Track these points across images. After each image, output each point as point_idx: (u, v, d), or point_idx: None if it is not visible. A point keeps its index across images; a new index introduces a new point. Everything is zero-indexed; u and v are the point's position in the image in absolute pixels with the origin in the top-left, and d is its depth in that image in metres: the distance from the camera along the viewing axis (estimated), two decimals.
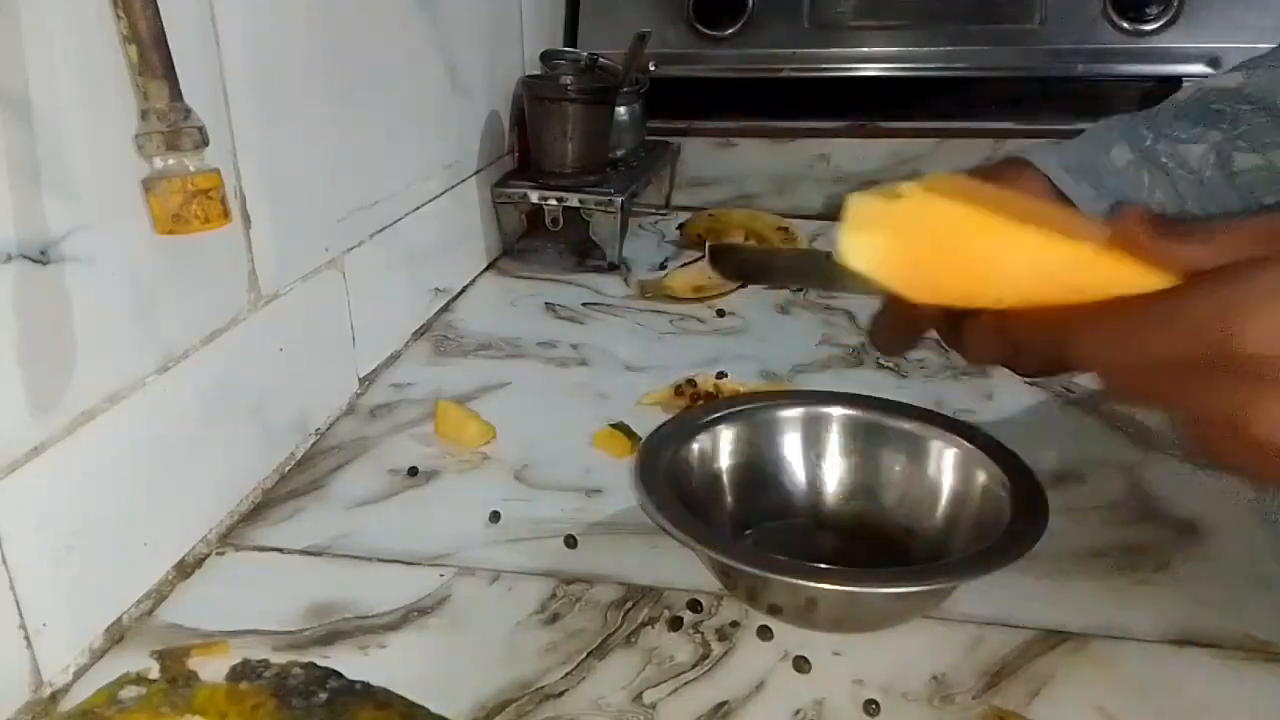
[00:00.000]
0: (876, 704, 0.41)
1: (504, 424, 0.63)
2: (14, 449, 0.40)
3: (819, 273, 0.48)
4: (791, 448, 0.54)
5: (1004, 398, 0.67)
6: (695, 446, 0.52)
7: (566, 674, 0.43)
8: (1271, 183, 0.55)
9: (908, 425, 0.53)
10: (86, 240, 0.43)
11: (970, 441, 0.51)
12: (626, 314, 0.83)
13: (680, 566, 0.49)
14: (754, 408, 0.55)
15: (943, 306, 0.35)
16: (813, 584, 0.42)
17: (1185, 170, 0.53)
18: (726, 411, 0.54)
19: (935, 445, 0.52)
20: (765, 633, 0.45)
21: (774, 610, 0.46)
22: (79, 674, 0.43)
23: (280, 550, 0.52)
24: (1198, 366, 0.30)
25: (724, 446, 0.53)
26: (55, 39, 0.40)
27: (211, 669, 0.43)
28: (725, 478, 0.53)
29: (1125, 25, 1.04)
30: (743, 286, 0.83)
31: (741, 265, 0.57)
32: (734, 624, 0.46)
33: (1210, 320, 0.29)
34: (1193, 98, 0.58)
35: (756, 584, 0.45)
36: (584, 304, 0.85)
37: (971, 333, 0.36)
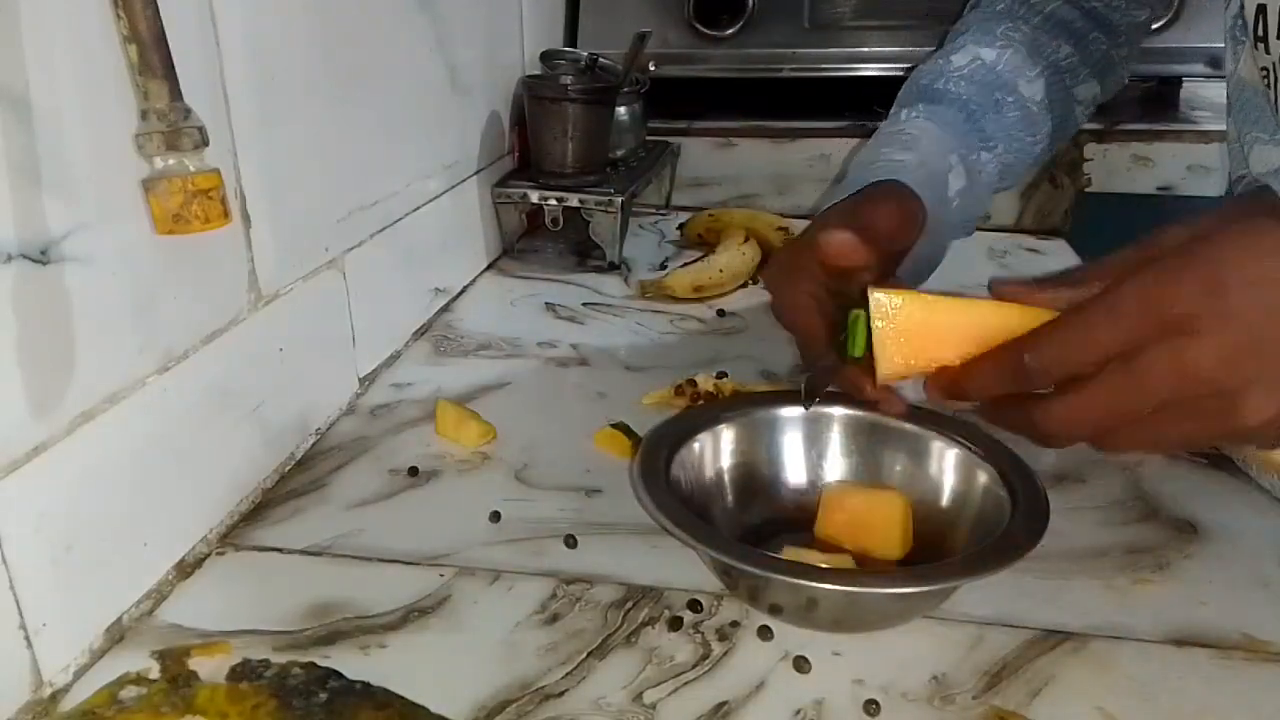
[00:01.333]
0: (877, 704, 0.41)
1: (504, 424, 0.63)
2: (14, 449, 0.40)
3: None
4: (793, 448, 0.54)
5: None
6: (696, 446, 0.52)
7: (566, 674, 0.43)
8: (1001, 180, 0.68)
9: (908, 425, 0.53)
10: (86, 240, 0.42)
11: (971, 442, 0.51)
12: (627, 314, 0.83)
13: (680, 566, 0.49)
14: (755, 407, 0.55)
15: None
16: (813, 584, 0.42)
17: (984, 188, 0.66)
18: (727, 411, 0.54)
19: (936, 445, 0.52)
20: (765, 633, 0.45)
21: (775, 610, 0.46)
22: (79, 674, 0.43)
23: (280, 550, 0.52)
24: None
25: (725, 446, 0.53)
26: (55, 39, 0.40)
27: (212, 669, 0.43)
28: (726, 477, 0.53)
29: None
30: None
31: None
32: (734, 624, 0.46)
33: (1143, 297, 0.37)
34: (980, 82, 0.67)
35: (757, 584, 0.45)
36: (584, 304, 0.85)
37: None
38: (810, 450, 0.54)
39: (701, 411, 0.55)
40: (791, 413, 0.54)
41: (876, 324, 0.43)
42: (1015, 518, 0.45)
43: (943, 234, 0.61)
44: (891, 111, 0.68)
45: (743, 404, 0.56)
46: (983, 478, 0.49)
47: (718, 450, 0.53)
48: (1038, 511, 0.45)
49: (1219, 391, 0.37)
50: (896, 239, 0.54)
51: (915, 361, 0.43)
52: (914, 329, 0.43)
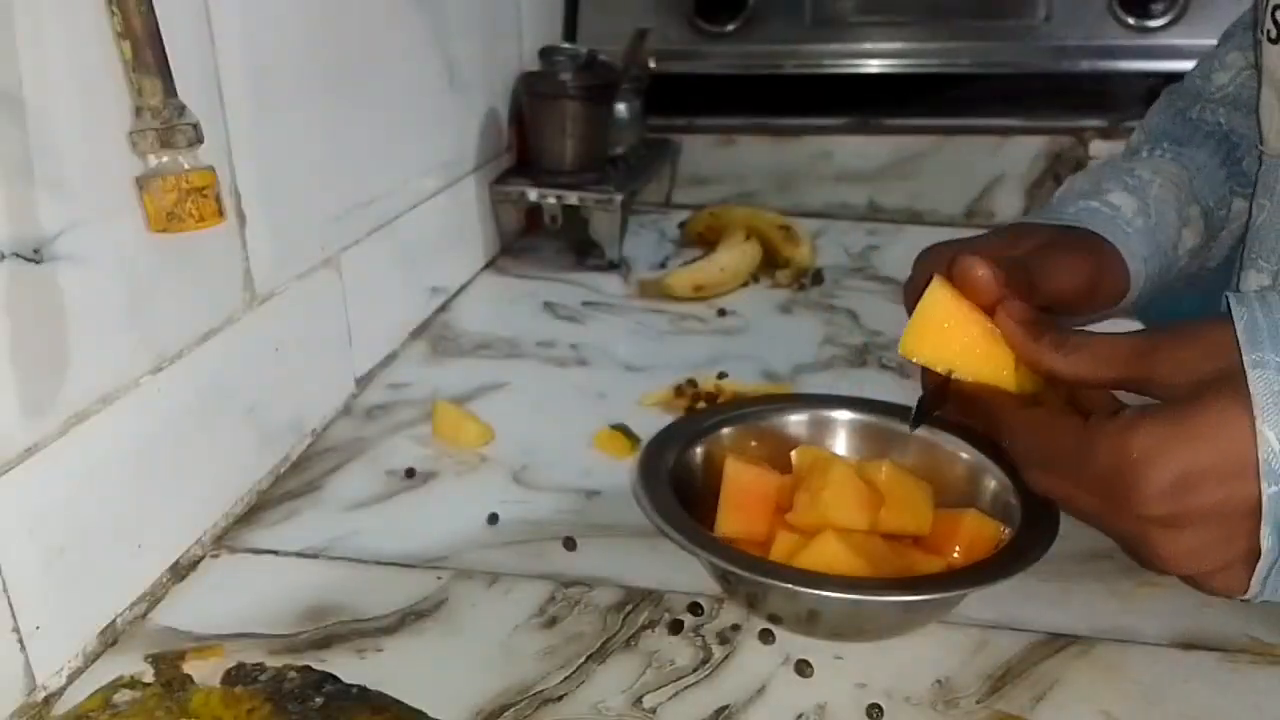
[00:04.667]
0: (880, 708, 0.40)
1: (502, 425, 0.63)
2: (7, 450, 0.39)
3: None
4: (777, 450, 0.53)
5: None
6: (699, 450, 0.51)
7: (565, 678, 0.43)
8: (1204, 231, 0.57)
9: (916, 431, 0.51)
10: (80, 239, 0.42)
11: (978, 448, 0.50)
12: (626, 313, 0.83)
13: (681, 569, 0.48)
14: (760, 410, 0.54)
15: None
16: (814, 592, 0.41)
17: (1232, 234, 0.56)
18: (732, 415, 0.54)
19: (944, 451, 0.51)
20: (767, 636, 0.45)
21: (774, 619, 0.45)
22: (73, 677, 0.43)
23: (276, 552, 0.52)
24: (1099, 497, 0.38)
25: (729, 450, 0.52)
26: (49, 36, 0.40)
27: (206, 672, 0.43)
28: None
29: (1131, 22, 1.04)
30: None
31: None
32: (735, 627, 0.46)
33: (1111, 474, 0.36)
34: (1180, 115, 0.58)
35: (757, 591, 0.44)
36: (583, 303, 0.85)
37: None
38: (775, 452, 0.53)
39: (706, 414, 0.55)
40: (798, 417, 0.54)
41: (923, 301, 0.44)
42: (1024, 525, 0.45)
43: (1158, 290, 0.53)
44: (1133, 139, 0.59)
45: (748, 407, 0.55)
46: (992, 484, 0.49)
47: (722, 454, 0.51)
48: (1047, 519, 0.45)
49: (1188, 576, 0.38)
50: (1066, 303, 0.48)
51: (933, 354, 0.44)
52: (948, 327, 0.44)
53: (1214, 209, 0.55)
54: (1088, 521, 0.40)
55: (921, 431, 0.51)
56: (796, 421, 0.54)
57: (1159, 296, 0.55)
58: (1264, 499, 0.33)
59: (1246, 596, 0.37)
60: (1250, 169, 0.54)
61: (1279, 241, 0.49)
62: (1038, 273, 0.46)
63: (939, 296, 0.44)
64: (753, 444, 0.52)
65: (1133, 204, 0.52)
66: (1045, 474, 0.41)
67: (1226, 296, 0.37)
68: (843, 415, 0.54)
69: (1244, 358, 0.34)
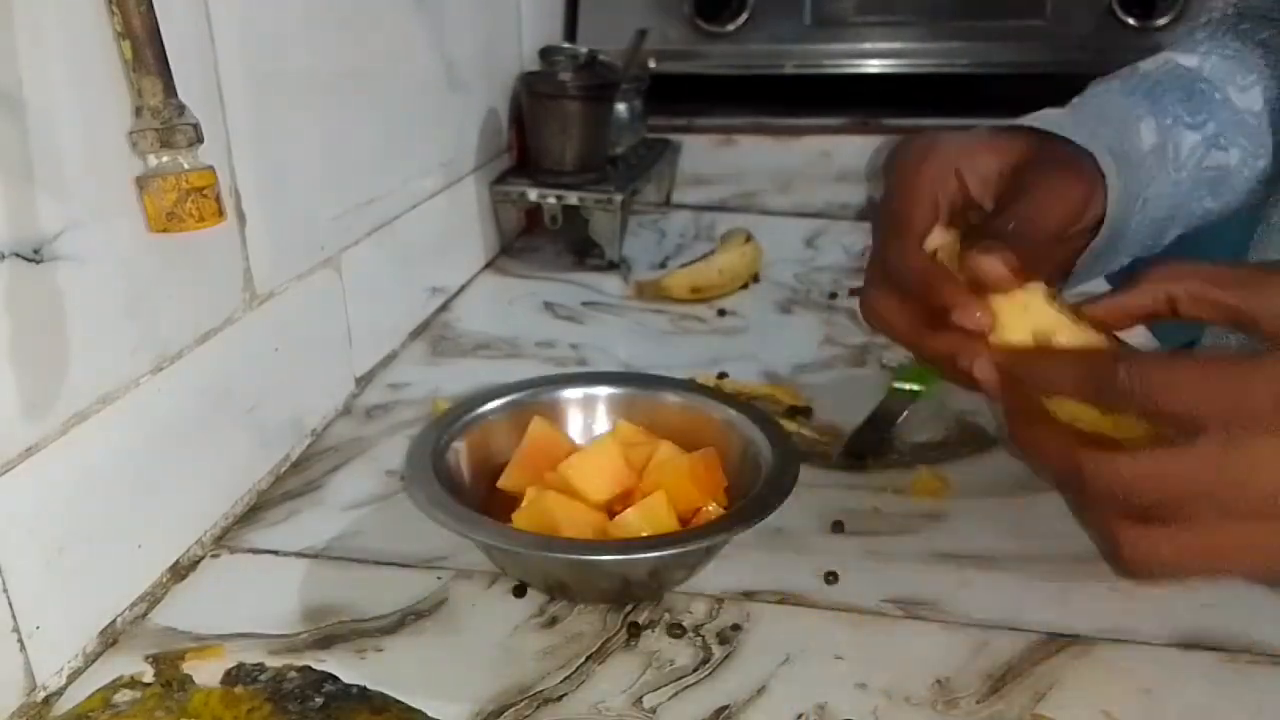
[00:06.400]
0: (879, 708, 0.40)
1: None
2: (6, 450, 0.39)
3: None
4: (572, 427, 0.56)
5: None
6: (464, 439, 0.53)
7: (565, 678, 0.43)
8: (1219, 182, 0.56)
9: (674, 398, 0.55)
10: (80, 239, 0.42)
11: (737, 410, 0.53)
12: (626, 313, 0.83)
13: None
14: (526, 395, 0.56)
15: None
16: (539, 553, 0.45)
17: (1174, 165, 0.54)
18: (495, 399, 0.55)
19: (701, 416, 0.54)
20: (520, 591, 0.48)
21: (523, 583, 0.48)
22: (72, 678, 0.43)
23: (276, 553, 0.52)
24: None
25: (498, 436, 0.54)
26: (48, 35, 0.40)
27: (206, 673, 0.43)
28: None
29: (1132, 22, 1.04)
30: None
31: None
32: (735, 627, 0.46)
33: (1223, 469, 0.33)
34: (1173, 74, 0.57)
35: (502, 558, 0.48)
36: (583, 303, 0.85)
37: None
38: (586, 430, 0.56)
39: (472, 400, 0.56)
40: (566, 393, 0.56)
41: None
42: (765, 484, 0.48)
43: (1131, 197, 0.50)
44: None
45: (512, 390, 0.56)
46: (740, 438, 0.52)
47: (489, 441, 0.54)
48: (788, 473, 0.48)
49: None
50: (1067, 231, 0.47)
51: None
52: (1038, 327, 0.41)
53: (1159, 115, 0.53)
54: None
55: (677, 397, 0.55)
56: (566, 397, 0.56)
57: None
58: None
59: None
60: (1198, 105, 0.54)
61: None
62: (1040, 225, 0.44)
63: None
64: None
65: (1086, 112, 0.51)
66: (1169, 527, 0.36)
67: None
68: (604, 390, 0.57)
69: None
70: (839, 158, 1.10)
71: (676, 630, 0.45)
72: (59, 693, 0.42)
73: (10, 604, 0.39)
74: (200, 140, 0.41)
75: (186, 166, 0.41)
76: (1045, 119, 0.50)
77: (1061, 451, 0.37)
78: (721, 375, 0.69)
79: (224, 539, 0.53)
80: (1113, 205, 0.49)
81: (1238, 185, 0.56)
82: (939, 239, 0.45)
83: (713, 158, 1.13)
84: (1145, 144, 0.51)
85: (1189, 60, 0.58)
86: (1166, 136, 0.53)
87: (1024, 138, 0.48)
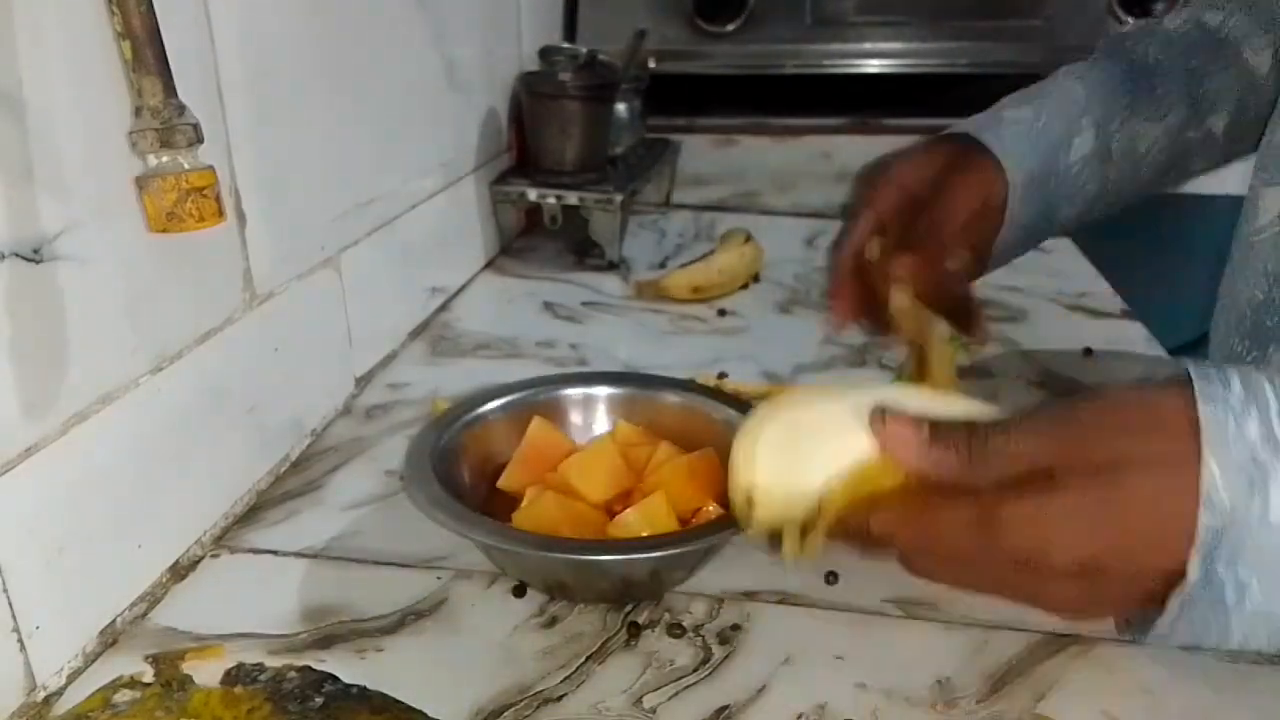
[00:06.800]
0: (879, 708, 0.40)
1: None
2: (6, 450, 0.39)
3: None
4: (572, 427, 0.56)
5: (1009, 402, 0.67)
6: (464, 439, 0.53)
7: (565, 678, 0.43)
8: (1204, 149, 0.61)
9: (674, 398, 0.55)
10: (80, 239, 0.42)
11: (737, 410, 0.53)
12: (626, 313, 0.83)
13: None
14: (526, 395, 0.56)
15: None
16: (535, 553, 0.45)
17: (1128, 159, 0.58)
18: (496, 398, 0.56)
19: (700, 416, 0.54)
20: (520, 591, 0.48)
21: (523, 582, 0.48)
22: (72, 677, 0.43)
23: (275, 553, 0.52)
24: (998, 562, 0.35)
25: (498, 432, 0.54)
26: (49, 35, 0.40)
27: (206, 673, 0.43)
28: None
29: (1131, 22, 1.04)
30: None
31: None
32: (735, 627, 0.46)
33: (1024, 535, 0.33)
34: (1176, 46, 0.61)
35: (502, 558, 0.47)
36: (583, 303, 0.85)
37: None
38: (584, 429, 0.56)
39: (472, 400, 0.56)
40: (566, 392, 0.57)
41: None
42: None
43: (1050, 203, 0.57)
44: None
45: (514, 390, 0.56)
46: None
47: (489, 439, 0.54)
48: None
49: (1085, 612, 0.37)
50: (973, 226, 0.53)
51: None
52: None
53: (1104, 122, 0.57)
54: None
55: (676, 397, 0.56)
56: (565, 396, 0.57)
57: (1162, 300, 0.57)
58: (1199, 528, 0.31)
59: (1156, 630, 0.34)
60: (1164, 95, 0.59)
61: None
62: (948, 226, 0.52)
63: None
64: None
65: (1025, 114, 0.57)
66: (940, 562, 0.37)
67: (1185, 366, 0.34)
68: (603, 390, 0.57)
69: (1196, 393, 0.32)
70: (839, 158, 1.10)
71: (676, 630, 0.45)
72: (59, 693, 0.42)
73: (10, 604, 0.39)
74: (200, 140, 0.41)
75: (186, 166, 0.41)
76: (990, 129, 0.56)
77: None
78: (721, 375, 0.69)
79: (224, 539, 0.53)
80: (1015, 217, 0.55)
81: (1226, 148, 0.61)
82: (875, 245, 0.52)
83: (713, 158, 1.13)
84: (1075, 155, 0.57)
85: (1213, 17, 0.62)
86: (1109, 140, 0.58)
87: (950, 145, 0.56)
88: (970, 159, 0.55)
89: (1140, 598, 0.34)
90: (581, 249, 0.93)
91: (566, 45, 0.95)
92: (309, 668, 0.43)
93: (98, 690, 0.42)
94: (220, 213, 0.41)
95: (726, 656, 0.44)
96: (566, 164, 0.91)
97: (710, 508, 0.49)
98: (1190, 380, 0.33)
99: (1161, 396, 0.33)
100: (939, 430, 0.36)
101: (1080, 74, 0.59)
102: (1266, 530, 0.31)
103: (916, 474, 0.36)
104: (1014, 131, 0.55)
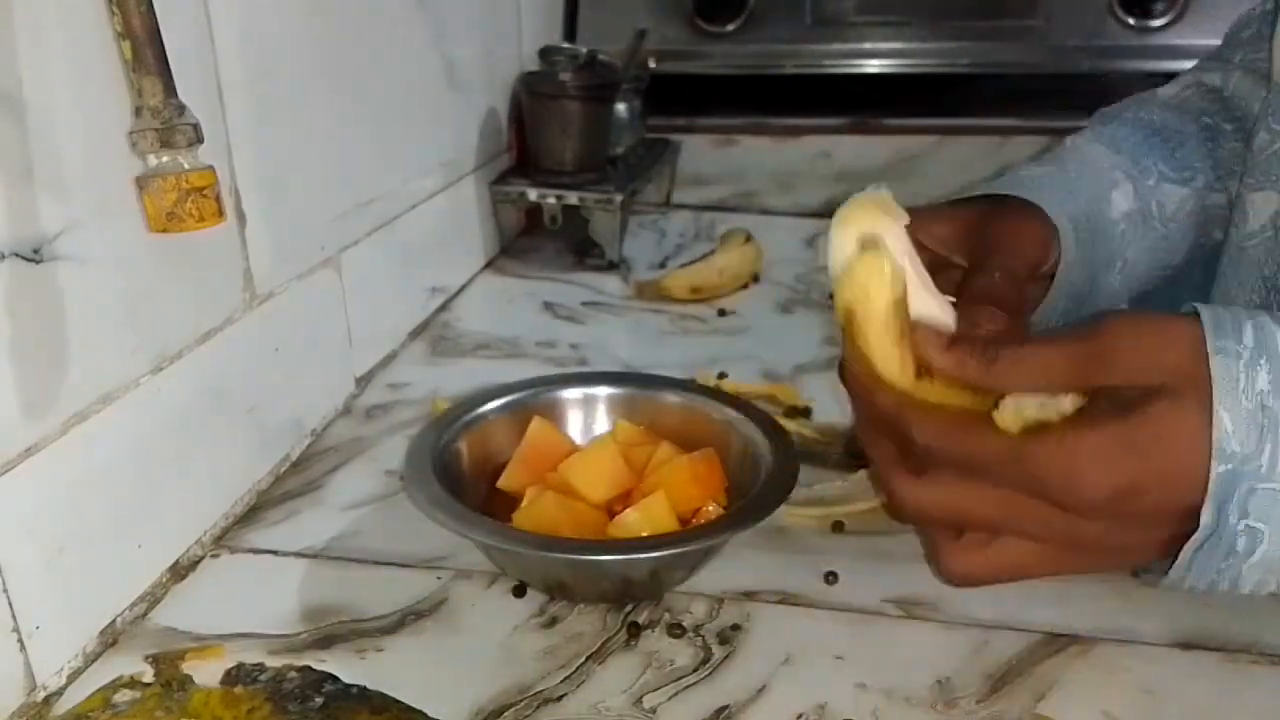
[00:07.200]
0: (879, 708, 0.40)
1: None
2: (6, 450, 0.39)
3: None
4: (572, 427, 0.56)
5: None
6: (464, 439, 0.53)
7: (565, 678, 0.43)
8: (1220, 219, 0.57)
9: (674, 398, 0.55)
10: (80, 239, 0.42)
11: (737, 410, 0.53)
12: (626, 313, 0.83)
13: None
14: (526, 395, 0.56)
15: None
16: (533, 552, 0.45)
17: (1160, 220, 0.55)
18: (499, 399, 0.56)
19: (700, 416, 0.54)
20: (519, 591, 0.48)
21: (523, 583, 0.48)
22: (72, 677, 0.43)
23: (275, 553, 0.52)
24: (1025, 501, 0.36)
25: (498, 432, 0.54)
26: (48, 35, 0.40)
27: (206, 673, 0.43)
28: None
29: (1131, 22, 1.04)
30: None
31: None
32: (735, 627, 0.46)
33: (1053, 475, 0.34)
34: (1180, 109, 0.58)
35: (502, 558, 0.48)
36: (583, 303, 0.84)
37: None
38: (586, 430, 0.56)
39: (472, 400, 0.56)
40: (566, 394, 0.56)
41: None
42: (767, 479, 0.48)
43: (1094, 264, 0.51)
44: None
45: (513, 390, 0.56)
46: (752, 440, 0.51)
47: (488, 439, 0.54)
48: (788, 473, 0.48)
49: (1106, 550, 0.37)
50: (1033, 269, 0.47)
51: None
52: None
53: (1139, 178, 0.53)
54: (971, 526, 0.38)
55: (677, 397, 0.56)
56: (566, 397, 0.56)
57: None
58: (1211, 477, 0.32)
59: (1169, 577, 0.36)
60: (1184, 158, 0.55)
61: None
62: (1011, 295, 0.43)
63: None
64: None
65: (1046, 169, 0.52)
66: (945, 482, 0.37)
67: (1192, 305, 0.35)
68: (604, 390, 0.57)
69: (1208, 344, 0.33)
70: (839, 158, 1.10)
71: (676, 630, 0.45)
72: (59, 693, 0.42)
73: (10, 604, 0.39)
74: (200, 140, 0.41)
75: (186, 166, 0.41)
76: (1016, 184, 0.50)
77: (884, 468, 0.40)
78: (721, 375, 0.69)
79: (224, 539, 0.53)
80: (1068, 270, 0.49)
81: (1249, 211, 0.54)
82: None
83: (713, 158, 1.13)
84: (1116, 211, 0.52)
85: (1213, 79, 0.59)
86: (1149, 197, 0.54)
87: (979, 203, 0.49)
88: (1008, 210, 0.48)
89: (1158, 544, 0.35)
90: (581, 249, 0.93)
91: (566, 45, 0.95)
92: (309, 668, 0.43)
93: (98, 690, 0.42)
94: (220, 213, 0.41)
95: (726, 656, 0.44)
96: (566, 164, 0.91)
97: (710, 508, 0.49)
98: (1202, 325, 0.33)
99: (1176, 341, 0.34)
100: (960, 336, 0.37)
101: (1091, 138, 0.55)
102: (1277, 478, 0.32)
103: (939, 371, 0.37)
104: (1043, 182, 0.50)
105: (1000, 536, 0.38)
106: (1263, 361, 0.32)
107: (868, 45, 1.09)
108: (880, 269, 0.37)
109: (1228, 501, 0.32)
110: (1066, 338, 0.36)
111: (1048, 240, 0.48)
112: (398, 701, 0.41)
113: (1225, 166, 0.57)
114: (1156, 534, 0.35)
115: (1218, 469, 0.32)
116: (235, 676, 0.43)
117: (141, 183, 0.41)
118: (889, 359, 0.38)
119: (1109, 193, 0.52)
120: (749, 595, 0.48)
